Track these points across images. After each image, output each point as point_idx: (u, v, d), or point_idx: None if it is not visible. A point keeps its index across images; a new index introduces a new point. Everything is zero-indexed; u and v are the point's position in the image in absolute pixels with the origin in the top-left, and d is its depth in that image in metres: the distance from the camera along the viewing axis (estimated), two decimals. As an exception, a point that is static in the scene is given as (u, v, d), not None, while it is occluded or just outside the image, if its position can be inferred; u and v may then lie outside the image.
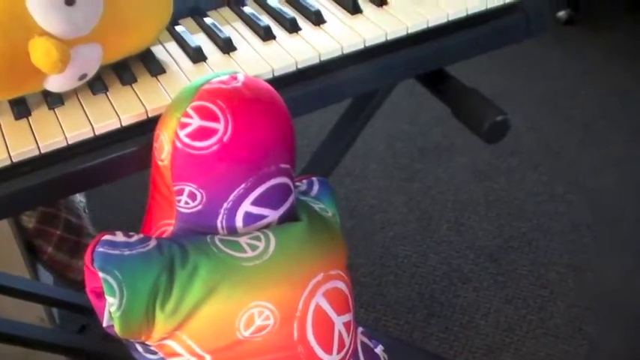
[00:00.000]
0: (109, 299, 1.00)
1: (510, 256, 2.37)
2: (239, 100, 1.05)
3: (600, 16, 3.45)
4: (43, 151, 1.06)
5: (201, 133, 1.03)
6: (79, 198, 2.07)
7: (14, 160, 1.04)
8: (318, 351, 1.11)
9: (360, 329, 1.29)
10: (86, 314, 1.79)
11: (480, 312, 2.22)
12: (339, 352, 1.14)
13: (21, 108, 1.10)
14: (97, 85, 1.14)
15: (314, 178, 1.27)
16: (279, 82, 1.16)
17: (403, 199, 2.56)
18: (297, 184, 1.25)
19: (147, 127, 1.09)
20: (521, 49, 3.13)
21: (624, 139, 2.77)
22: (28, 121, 1.09)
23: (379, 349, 1.31)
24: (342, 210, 2.13)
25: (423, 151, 2.75)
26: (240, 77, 1.08)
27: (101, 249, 1.01)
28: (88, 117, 1.09)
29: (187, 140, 1.02)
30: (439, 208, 2.53)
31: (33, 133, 1.07)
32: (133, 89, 1.14)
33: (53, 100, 1.11)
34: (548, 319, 2.19)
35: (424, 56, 1.26)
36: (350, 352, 1.19)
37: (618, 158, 2.69)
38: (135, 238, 1.05)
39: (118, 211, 2.51)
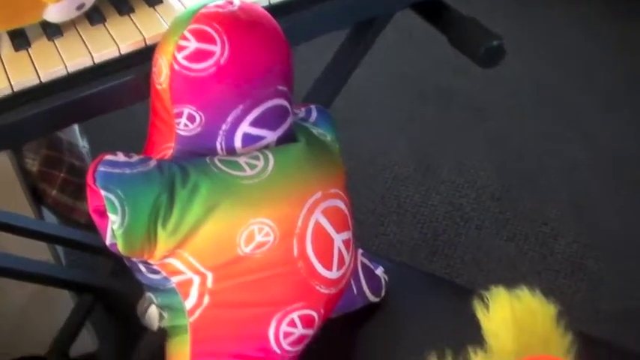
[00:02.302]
0: (112, 217, 1.02)
1: (511, 194, 2.38)
2: (235, 23, 1.06)
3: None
4: (43, 80, 1.08)
5: (199, 56, 1.04)
6: (82, 143, 2.08)
7: (15, 90, 1.06)
8: (318, 267, 1.13)
9: (361, 251, 1.31)
10: (92, 252, 1.82)
11: (482, 250, 2.24)
12: (339, 268, 1.17)
13: (20, 39, 1.12)
14: (95, 16, 1.15)
15: (312, 106, 1.29)
16: (276, 9, 1.17)
17: (404, 141, 2.57)
18: (296, 111, 1.26)
19: (145, 55, 1.11)
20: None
21: (624, 85, 2.77)
22: (28, 52, 1.11)
23: (379, 271, 1.33)
24: (343, 153, 2.14)
25: (422, 93, 2.75)
26: (236, 1, 1.09)
27: (103, 168, 1.03)
28: (87, 46, 1.11)
29: (185, 62, 1.04)
30: (440, 149, 2.54)
31: (33, 63, 1.09)
32: (131, 19, 1.16)
33: (52, 31, 1.13)
34: (549, 255, 2.22)
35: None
36: (350, 270, 1.21)
37: (617, 103, 2.69)
38: (136, 158, 1.07)
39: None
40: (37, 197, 1.84)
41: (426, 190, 2.40)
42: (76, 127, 2.11)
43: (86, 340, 1.93)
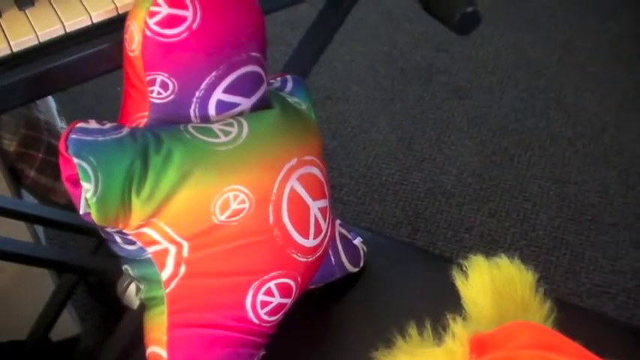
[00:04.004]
0: (85, 185, 1.01)
1: (493, 171, 2.39)
2: (207, -12, 1.05)
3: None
4: (15, 50, 1.06)
5: (171, 21, 1.03)
6: (61, 124, 2.07)
7: (-14, 60, 1.05)
8: (294, 234, 1.13)
9: (338, 221, 1.30)
10: (72, 231, 1.81)
11: (464, 226, 2.24)
12: (315, 236, 1.16)
13: (-9, 10, 1.11)
14: (66, -15, 1.14)
15: (288, 76, 1.28)
16: (249, -24, 1.16)
17: (385, 119, 2.56)
18: (271, 81, 1.26)
19: (118, 24, 1.10)
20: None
21: (603, 58, 2.78)
22: (-1, 22, 1.10)
23: (358, 241, 1.33)
24: (324, 132, 2.14)
25: (403, 72, 2.75)
26: (208, -33, 1.08)
27: (75, 135, 1.02)
28: (58, 15, 1.10)
29: (157, 28, 1.03)
30: (421, 126, 2.53)
31: (4, 32, 1.07)
32: (103, -11, 1.15)
33: (24, 1, 1.11)
34: (531, 230, 2.22)
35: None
36: (327, 238, 1.21)
37: (597, 77, 2.70)
38: (108, 125, 1.06)
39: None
40: (15, 178, 1.83)
41: (407, 168, 2.40)
42: (54, 107, 2.10)
43: (68, 323, 1.92)
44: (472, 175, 2.37)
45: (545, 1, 3.04)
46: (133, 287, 1.20)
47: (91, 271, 1.69)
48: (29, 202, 1.87)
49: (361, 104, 2.62)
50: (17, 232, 1.74)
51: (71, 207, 1.07)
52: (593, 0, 3.03)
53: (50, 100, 2.10)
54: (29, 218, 1.68)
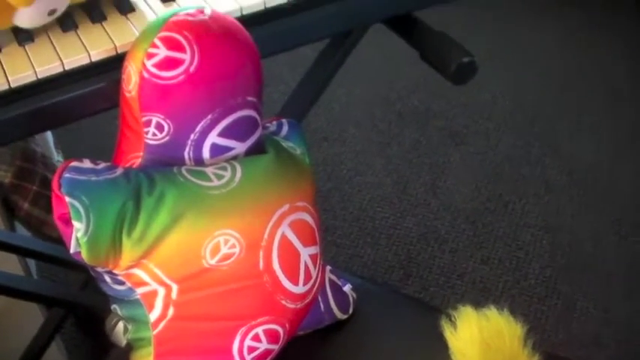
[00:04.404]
0: (76, 224, 1.01)
1: (487, 218, 2.38)
2: (205, 32, 1.06)
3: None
4: (12, 86, 1.07)
5: (168, 63, 1.04)
6: (57, 157, 2.07)
7: (-16, 95, 1.05)
8: (284, 281, 1.12)
9: (329, 267, 1.30)
10: (64, 266, 1.80)
11: (456, 272, 2.23)
12: (305, 283, 1.16)
13: (-10, 45, 1.11)
14: (66, 22, 1.15)
15: (283, 120, 1.29)
16: (248, 21, 1.17)
17: (381, 162, 2.57)
18: (267, 125, 1.26)
19: (116, 62, 1.11)
20: (499, 15, 3.16)
21: (599, 105, 2.79)
22: (-2, 57, 1.10)
23: (347, 288, 1.33)
24: (319, 173, 2.14)
25: (400, 115, 2.76)
26: (207, 11, 1.09)
27: (68, 175, 1.02)
28: (57, 52, 1.11)
29: (154, 70, 1.04)
30: (416, 171, 2.54)
31: (3, 68, 1.08)
32: (103, 27, 1.15)
33: (23, 37, 1.12)
34: (523, 279, 2.22)
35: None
36: (317, 285, 1.20)
37: (594, 124, 2.71)
38: (102, 165, 1.06)
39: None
40: (8, 210, 1.83)
41: (402, 212, 2.40)
42: (50, 140, 2.10)
43: (56, 356, 1.91)
44: (466, 222, 2.37)
45: (543, 49, 3.06)
46: (121, 325, 1.19)
47: (80, 306, 1.69)
48: (22, 234, 1.86)
49: (357, 146, 2.63)
50: (8, 264, 1.73)
51: (63, 240, 1.07)
52: (591, 49, 3.04)
53: (47, 133, 2.10)
54: (21, 251, 1.68)
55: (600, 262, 2.25)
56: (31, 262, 1.95)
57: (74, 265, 1.71)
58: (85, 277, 1.76)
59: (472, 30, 3.06)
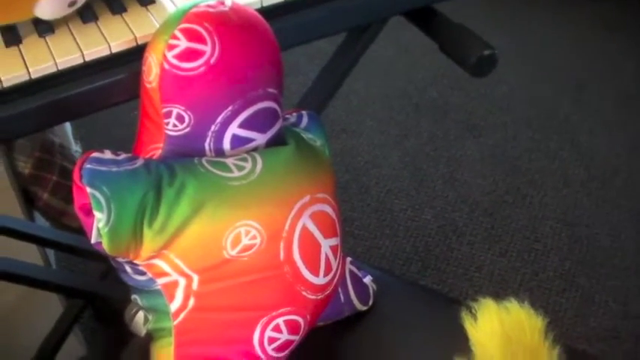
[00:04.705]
0: (97, 214, 1.01)
1: (505, 210, 2.38)
2: (226, 23, 1.06)
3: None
4: (33, 77, 1.07)
5: (189, 55, 1.04)
6: (75, 147, 2.08)
7: (5, 86, 1.06)
8: (305, 272, 1.12)
9: (349, 259, 1.30)
10: (83, 256, 1.81)
11: (474, 265, 2.23)
12: (325, 274, 1.16)
13: (11, 35, 1.12)
14: (87, 14, 1.15)
15: (303, 112, 1.29)
16: (268, 12, 1.17)
17: (398, 154, 2.57)
18: (287, 116, 1.26)
19: (136, 54, 1.11)
20: (516, 9, 3.15)
21: (616, 100, 2.78)
22: (19, 48, 1.10)
23: (368, 279, 1.32)
24: (337, 165, 2.14)
25: (418, 107, 2.76)
26: (228, 2, 1.09)
27: (89, 165, 1.03)
28: (78, 44, 1.11)
29: (175, 61, 1.04)
30: (434, 163, 2.53)
31: (24, 59, 1.08)
32: (123, 18, 1.16)
33: (44, 28, 1.13)
34: (541, 272, 2.21)
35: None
36: (337, 276, 1.20)
37: (609, 121, 2.70)
38: (123, 156, 1.06)
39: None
40: (28, 200, 1.83)
41: (420, 204, 2.40)
42: (69, 130, 2.11)
43: (74, 346, 1.91)
44: (484, 214, 2.36)
45: (559, 46, 3.05)
46: (141, 315, 1.19)
47: (99, 296, 1.69)
48: (41, 224, 1.87)
49: (375, 139, 2.63)
50: (28, 254, 1.74)
51: (82, 231, 1.07)
52: (604, 48, 3.03)
53: (66, 123, 2.11)
54: (40, 241, 1.68)
55: (619, 256, 2.24)
56: (50, 252, 1.95)
57: (93, 256, 1.72)
58: (104, 267, 1.76)
59: (489, 23, 3.05)
